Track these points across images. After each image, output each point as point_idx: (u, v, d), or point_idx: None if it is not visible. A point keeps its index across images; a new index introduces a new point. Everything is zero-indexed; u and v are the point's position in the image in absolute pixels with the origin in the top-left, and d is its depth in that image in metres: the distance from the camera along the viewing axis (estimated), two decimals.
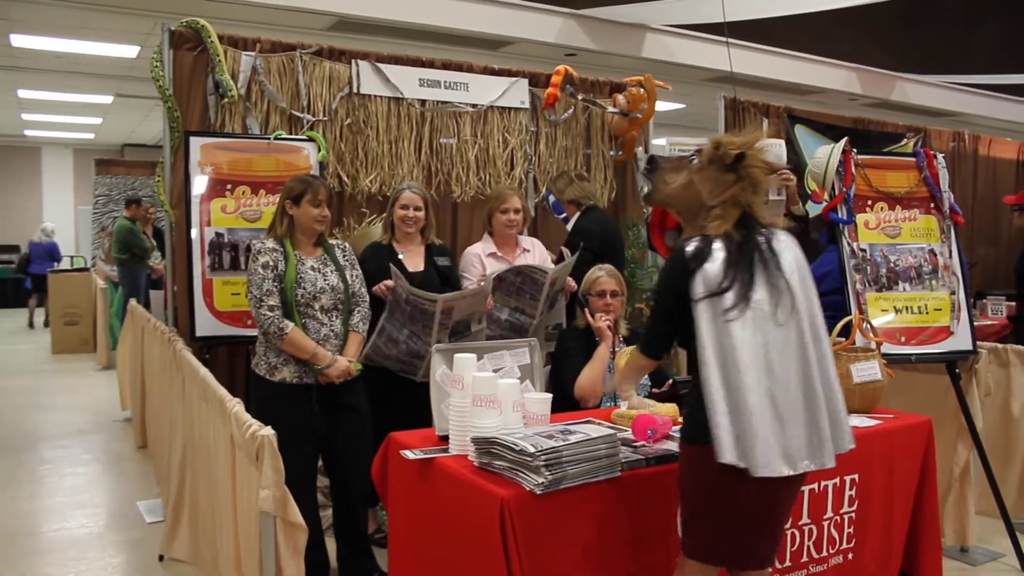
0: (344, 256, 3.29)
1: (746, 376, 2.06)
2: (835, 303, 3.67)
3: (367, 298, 3.31)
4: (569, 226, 4.28)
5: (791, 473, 2.08)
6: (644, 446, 2.48)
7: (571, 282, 3.87)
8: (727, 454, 2.04)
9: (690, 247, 2.19)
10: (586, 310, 3.46)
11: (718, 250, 2.15)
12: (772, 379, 2.09)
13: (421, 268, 3.62)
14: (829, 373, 2.18)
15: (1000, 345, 4.18)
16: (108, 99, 11.11)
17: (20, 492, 4.71)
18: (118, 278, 8.46)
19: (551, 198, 4.46)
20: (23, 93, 10.81)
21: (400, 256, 3.61)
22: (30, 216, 16.11)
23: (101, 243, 10.27)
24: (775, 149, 3.83)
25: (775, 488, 2.11)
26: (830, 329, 2.39)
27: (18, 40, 7.87)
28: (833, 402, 2.18)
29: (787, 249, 2.23)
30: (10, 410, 6.77)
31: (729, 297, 2.10)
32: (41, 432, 6.07)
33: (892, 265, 3.81)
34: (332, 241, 3.31)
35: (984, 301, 6.02)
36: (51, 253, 12.45)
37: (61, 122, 13.35)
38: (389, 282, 3.40)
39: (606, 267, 3.55)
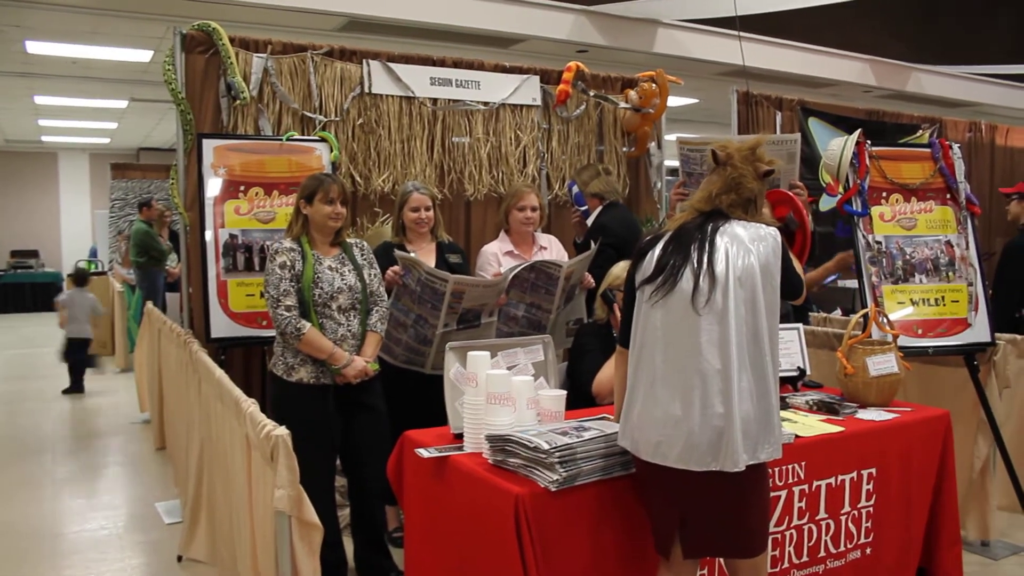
0: (362, 255, 3.28)
1: (644, 360, 2.13)
2: None
3: (385, 297, 3.31)
4: (589, 220, 4.26)
5: (663, 464, 2.06)
6: None
7: (589, 278, 3.85)
8: (620, 437, 2.20)
9: (645, 239, 2.29)
10: (616, 306, 3.37)
11: (663, 240, 2.22)
12: (662, 365, 2.10)
13: (432, 266, 3.63)
14: (733, 384, 2.02)
15: (1019, 336, 4.13)
16: (123, 103, 11.20)
17: (40, 494, 4.75)
18: (135, 281, 8.52)
19: (574, 188, 4.42)
20: (39, 99, 10.91)
21: (412, 255, 3.61)
22: (48, 221, 16.28)
23: (118, 247, 10.34)
24: (784, 147, 3.67)
25: (670, 475, 2.07)
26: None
27: (33, 47, 7.93)
28: (730, 410, 2.01)
29: (736, 244, 2.12)
30: (30, 412, 6.84)
31: (656, 283, 2.15)
32: (61, 434, 6.13)
33: (908, 257, 3.77)
34: (350, 240, 3.30)
35: None
36: None
37: (77, 127, 13.48)
38: (397, 267, 3.44)
39: None
